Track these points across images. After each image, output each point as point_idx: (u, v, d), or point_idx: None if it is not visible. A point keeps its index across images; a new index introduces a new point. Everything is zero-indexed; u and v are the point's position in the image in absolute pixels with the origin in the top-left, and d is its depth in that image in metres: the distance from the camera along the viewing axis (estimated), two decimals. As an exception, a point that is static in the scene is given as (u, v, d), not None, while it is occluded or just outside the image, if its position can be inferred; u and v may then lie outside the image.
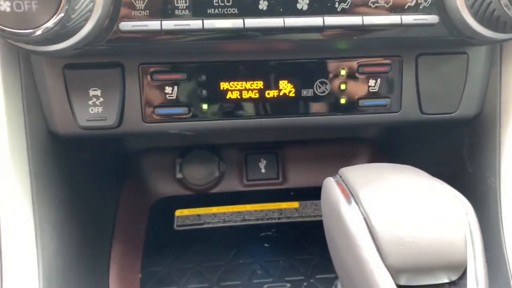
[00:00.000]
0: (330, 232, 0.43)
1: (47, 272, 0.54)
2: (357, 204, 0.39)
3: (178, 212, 0.85)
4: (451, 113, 0.60)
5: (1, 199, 0.52)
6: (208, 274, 0.71)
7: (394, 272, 0.36)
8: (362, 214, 0.38)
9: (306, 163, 0.94)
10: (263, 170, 0.92)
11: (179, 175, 0.88)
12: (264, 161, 0.92)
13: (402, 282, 0.36)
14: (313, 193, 0.91)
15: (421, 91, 0.58)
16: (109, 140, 0.83)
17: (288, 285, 0.69)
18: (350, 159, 0.95)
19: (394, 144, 0.92)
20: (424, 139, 0.81)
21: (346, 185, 0.42)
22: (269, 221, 0.83)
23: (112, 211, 0.77)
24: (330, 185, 0.44)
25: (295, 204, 0.88)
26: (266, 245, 0.78)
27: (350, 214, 0.39)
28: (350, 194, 0.41)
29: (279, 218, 0.84)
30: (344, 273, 0.39)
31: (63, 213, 0.60)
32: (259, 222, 0.83)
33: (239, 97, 0.57)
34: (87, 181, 0.69)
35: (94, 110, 0.56)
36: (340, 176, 0.45)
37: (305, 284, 0.69)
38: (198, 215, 0.85)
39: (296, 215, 0.85)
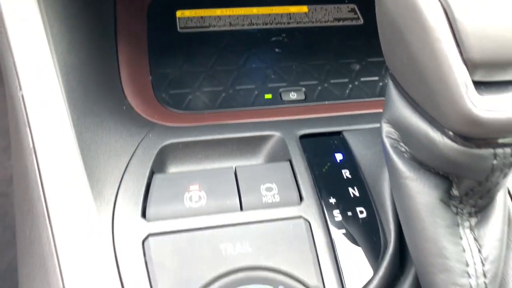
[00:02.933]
0: (396, 27, 0.39)
1: (64, 69, 0.50)
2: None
3: (179, 13, 0.78)
4: None
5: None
6: (222, 78, 0.69)
7: (472, 67, 0.35)
8: (441, 3, 0.35)
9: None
10: (270, -31, 0.83)
11: (177, -30, 0.78)
12: (272, -42, 0.83)
13: (477, 77, 0.35)
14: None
15: None
16: None
17: (303, 89, 0.69)
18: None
19: None
20: None
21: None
22: (278, 26, 0.79)
23: (110, 9, 0.70)
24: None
25: (304, 8, 0.82)
26: (277, 50, 0.74)
27: (426, 2, 0.35)
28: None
29: (288, 23, 0.79)
30: (415, 73, 0.38)
31: (69, 5, 0.53)
32: (268, 26, 0.78)
33: None
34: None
35: None
36: None
37: (319, 88, 0.69)
38: (202, 17, 0.78)
39: (306, 20, 0.80)
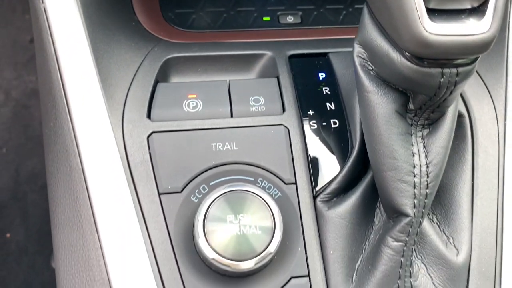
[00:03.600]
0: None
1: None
2: None
3: None
4: None
5: None
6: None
7: (426, -3, 0.40)
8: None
9: None
10: None
11: None
12: None
13: (431, 5, 0.41)
14: None
15: None
16: None
17: (300, 13, 0.74)
18: None
19: None
20: None
21: None
22: (281, -50, 0.82)
23: None
24: None
25: None
26: (278, -26, 0.78)
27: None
28: None
29: None
30: (381, 0, 0.43)
31: None
32: (272, -50, 0.81)
33: None
34: None
35: None
36: None
37: (315, 13, 0.74)
38: None
39: None
